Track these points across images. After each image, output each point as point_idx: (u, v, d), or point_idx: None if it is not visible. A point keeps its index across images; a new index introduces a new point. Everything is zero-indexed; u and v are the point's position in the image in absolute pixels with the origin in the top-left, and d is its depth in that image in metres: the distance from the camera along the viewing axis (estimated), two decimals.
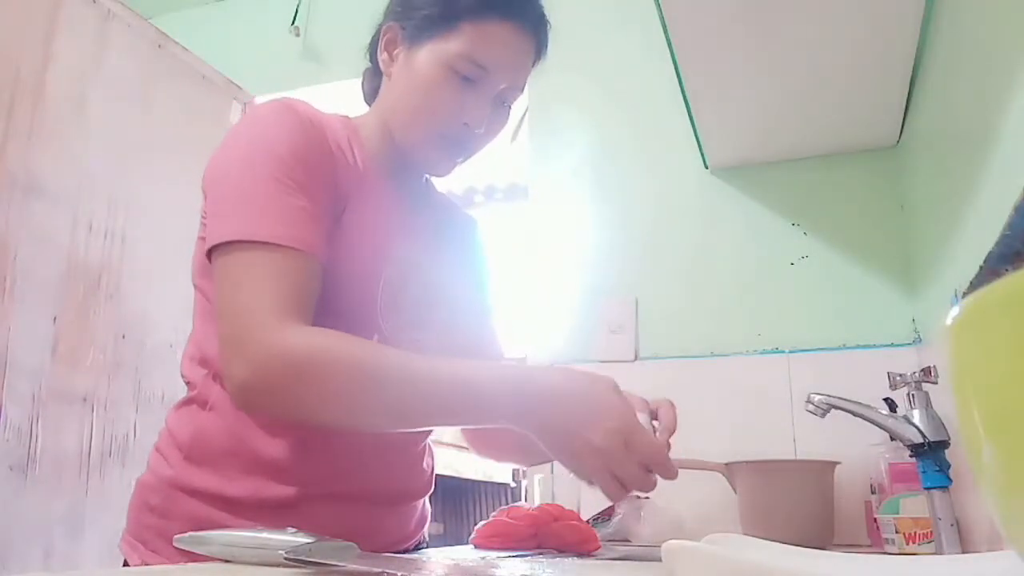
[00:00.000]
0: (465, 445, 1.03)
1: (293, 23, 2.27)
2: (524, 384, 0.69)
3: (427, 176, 0.96)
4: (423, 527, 0.94)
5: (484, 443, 1.00)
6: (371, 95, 0.93)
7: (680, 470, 1.18)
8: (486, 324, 1.02)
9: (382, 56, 0.87)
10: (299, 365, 0.66)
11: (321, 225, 0.75)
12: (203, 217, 0.79)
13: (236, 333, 0.68)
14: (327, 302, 0.75)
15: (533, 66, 0.88)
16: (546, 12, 0.87)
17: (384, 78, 0.88)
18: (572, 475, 0.68)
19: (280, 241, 0.70)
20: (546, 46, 0.88)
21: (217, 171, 0.77)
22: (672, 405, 0.79)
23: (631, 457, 0.65)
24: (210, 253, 0.73)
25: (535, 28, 0.85)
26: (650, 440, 0.67)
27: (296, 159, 0.74)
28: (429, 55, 0.81)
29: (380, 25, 0.88)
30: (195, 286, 0.84)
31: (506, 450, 0.98)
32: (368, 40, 0.92)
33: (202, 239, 0.79)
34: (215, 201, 0.75)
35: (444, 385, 0.68)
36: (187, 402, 0.82)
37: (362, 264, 0.80)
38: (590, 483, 0.67)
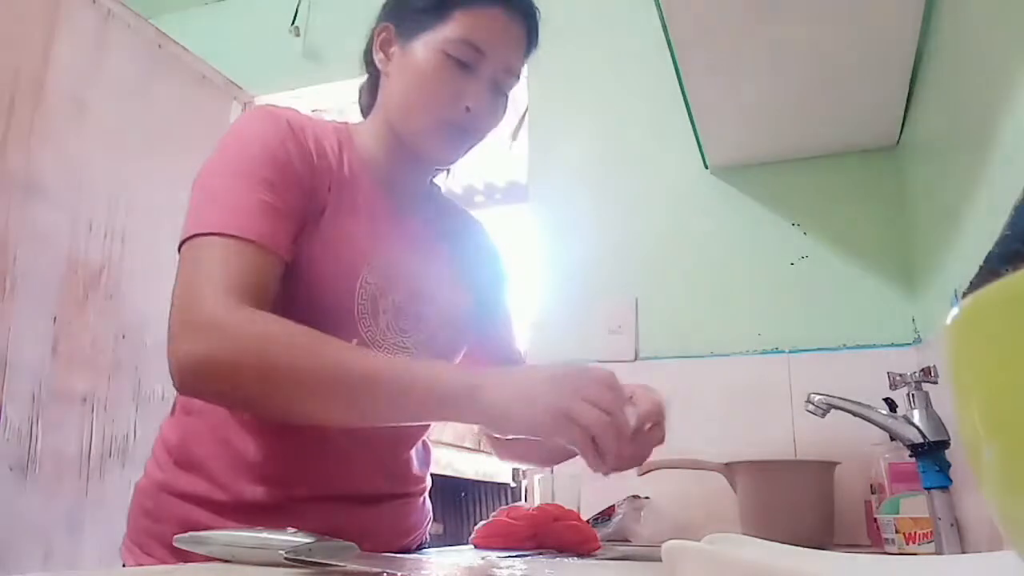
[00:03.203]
0: (465, 445, 1.02)
1: (293, 23, 2.26)
2: (471, 370, 0.70)
3: (432, 180, 0.96)
4: (423, 525, 0.93)
5: (504, 447, 1.00)
6: (368, 108, 0.93)
7: (680, 470, 1.19)
8: (494, 333, 1.01)
9: (378, 56, 0.87)
10: (247, 349, 0.66)
11: (286, 222, 0.75)
12: None
13: (181, 314, 0.68)
14: (305, 304, 0.75)
15: (526, 55, 0.88)
16: (534, 1, 0.88)
17: (382, 80, 0.88)
18: (544, 436, 0.65)
19: (233, 232, 0.70)
20: (537, 34, 0.89)
21: (198, 176, 0.78)
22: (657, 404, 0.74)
23: (587, 381, 0.64)
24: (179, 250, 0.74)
25: (524, 14, 0.85)
26: (596, 368, 0.67)
27: (267, 156, 0.75)
28: (424, 45, 0.82)
29: (373, 29, 0.89)
30: None
31: (527, 452, 0.98)
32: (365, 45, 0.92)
33: None
34: (190, 204, 0.76)
35: (404, 380, 0.67)
36: (174, 408, 0.84)
37: (339, 267, 0.79)
38: (563, 424, 0.63)
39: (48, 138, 1.60)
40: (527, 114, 1.90)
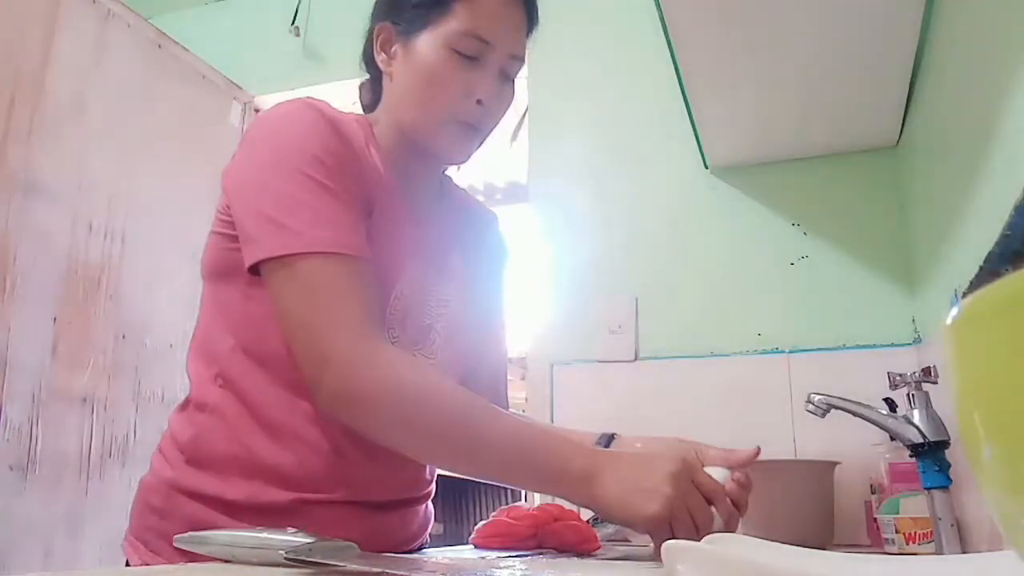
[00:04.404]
0: None
1: (293, 23, 2.26)
2: (590, 454, 0.70)
3: (444, 170, 0.96)
4: (426, 530, 0.93)
5: None
6: (371, 106, 0.92)
7: None
8: (492, 330, 1.01)
9: (380, 57, 0.86)
10: (390, 388, 0.69)
11: (364, 230, 0.75)
12: (222, 214, 0.79)
13: (320, 348, 0.69)
14: None
15: (528, 35, 0.87)
16: None
17: (385, 80, 0.87)
18: (637, 528, 0.68)
19: (344, 251, 0.71)
20: (537, 15, 0.88)
21: (249, 172, 0.76)
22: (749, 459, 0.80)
23: (695, 489, 0.67)
24: (258, 264, 0.72)
25: None
26: (708, 477, 0.70)
27: (333, 161, 0.75)
28: (428, 42, 0.81)
29: (370, 29, 0.88)
30: (204, 280, 0.83)
31: None
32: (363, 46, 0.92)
33: (219, 234, 0.79)
34: (259, 207, 0.73)
35: (525, 446, 0.70)
36: (186, 403, 0.82)
37: (378, 275, 0.78)
38: (661, 527, 0.66)
39: (48, 138, 1.60)
40: (527, 114, 1.90)
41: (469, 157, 0.88)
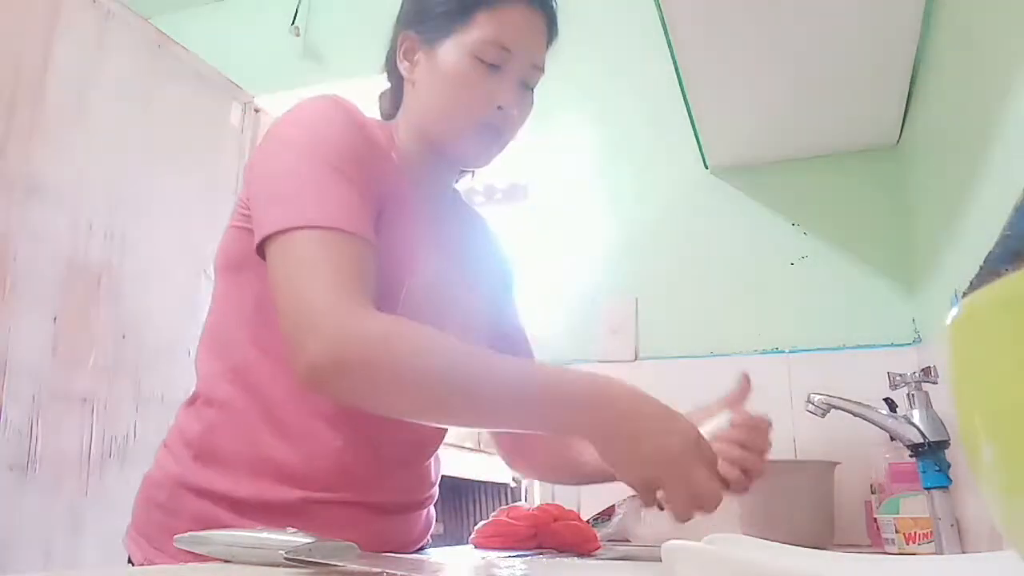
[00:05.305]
0: (467, 445, 1.03)
1: (293, 23, 2.26)
2: (601, 390, 0.68)
3: (457, 180, 0.97)
4: (428, 532, 0.93)
5: (519, 455, 1.02)
6: (391, 115, 0.93)
7: None
8: (508, 333, 1.02)
9: (403, 65, 0.88)
10: (377, 348, 0.65)
11: (371, 219, 0.76)
12: (242, 207, 0.80)
13: (305, 315, 0.66)
14: None
15: (548, 45, 0.89)
16: None
17: (407, 87, 0.88)
18: (634, 491, 0.66)
19: (343, 227, 0.70)
20: (556, 27, 0.90)
21: (268, 161, 0.77)
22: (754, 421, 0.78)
23: (700, 460, 0.66)
24: (264, 241, 0.71)
25: (543, 8, 0.87)
26: (711, 447, 0.69)
27: (351, 152, 0.76)
28: (452, 50, 0.83)
29: (393, 38, 0.89)
30: (218, 273, 0.83)
31: (538, 467, 1.02)
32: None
33: (237, 228, 0.80)
34: (270, 190, 0.74)
35: (528, 385, 0.68)
36: (194, 398, 0.82)
37: (387, 273, 0.79)
38: (656, 492, 0.66)
39: (48, 138, 1.59)
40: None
41: (490, 161, 0.89)
